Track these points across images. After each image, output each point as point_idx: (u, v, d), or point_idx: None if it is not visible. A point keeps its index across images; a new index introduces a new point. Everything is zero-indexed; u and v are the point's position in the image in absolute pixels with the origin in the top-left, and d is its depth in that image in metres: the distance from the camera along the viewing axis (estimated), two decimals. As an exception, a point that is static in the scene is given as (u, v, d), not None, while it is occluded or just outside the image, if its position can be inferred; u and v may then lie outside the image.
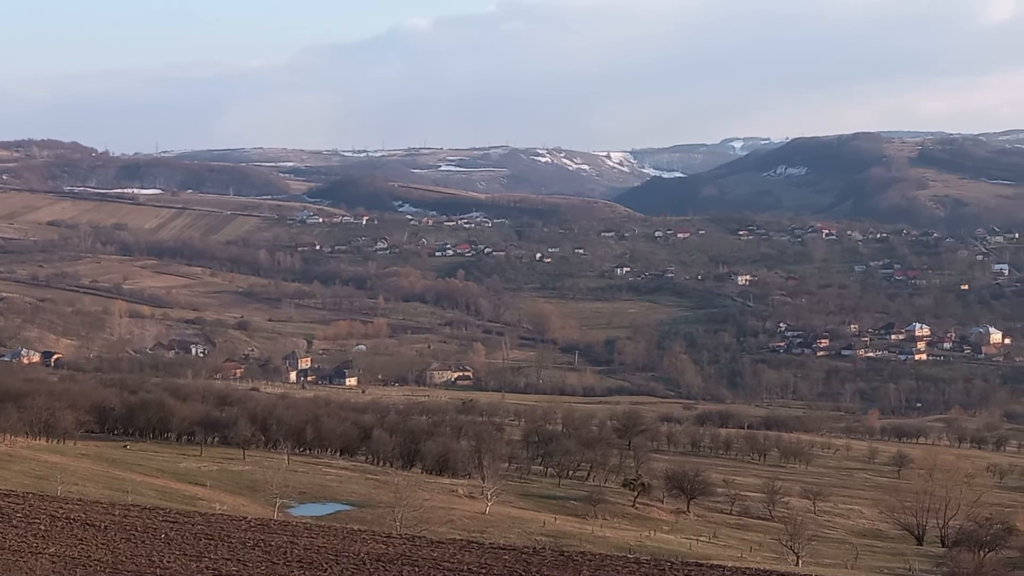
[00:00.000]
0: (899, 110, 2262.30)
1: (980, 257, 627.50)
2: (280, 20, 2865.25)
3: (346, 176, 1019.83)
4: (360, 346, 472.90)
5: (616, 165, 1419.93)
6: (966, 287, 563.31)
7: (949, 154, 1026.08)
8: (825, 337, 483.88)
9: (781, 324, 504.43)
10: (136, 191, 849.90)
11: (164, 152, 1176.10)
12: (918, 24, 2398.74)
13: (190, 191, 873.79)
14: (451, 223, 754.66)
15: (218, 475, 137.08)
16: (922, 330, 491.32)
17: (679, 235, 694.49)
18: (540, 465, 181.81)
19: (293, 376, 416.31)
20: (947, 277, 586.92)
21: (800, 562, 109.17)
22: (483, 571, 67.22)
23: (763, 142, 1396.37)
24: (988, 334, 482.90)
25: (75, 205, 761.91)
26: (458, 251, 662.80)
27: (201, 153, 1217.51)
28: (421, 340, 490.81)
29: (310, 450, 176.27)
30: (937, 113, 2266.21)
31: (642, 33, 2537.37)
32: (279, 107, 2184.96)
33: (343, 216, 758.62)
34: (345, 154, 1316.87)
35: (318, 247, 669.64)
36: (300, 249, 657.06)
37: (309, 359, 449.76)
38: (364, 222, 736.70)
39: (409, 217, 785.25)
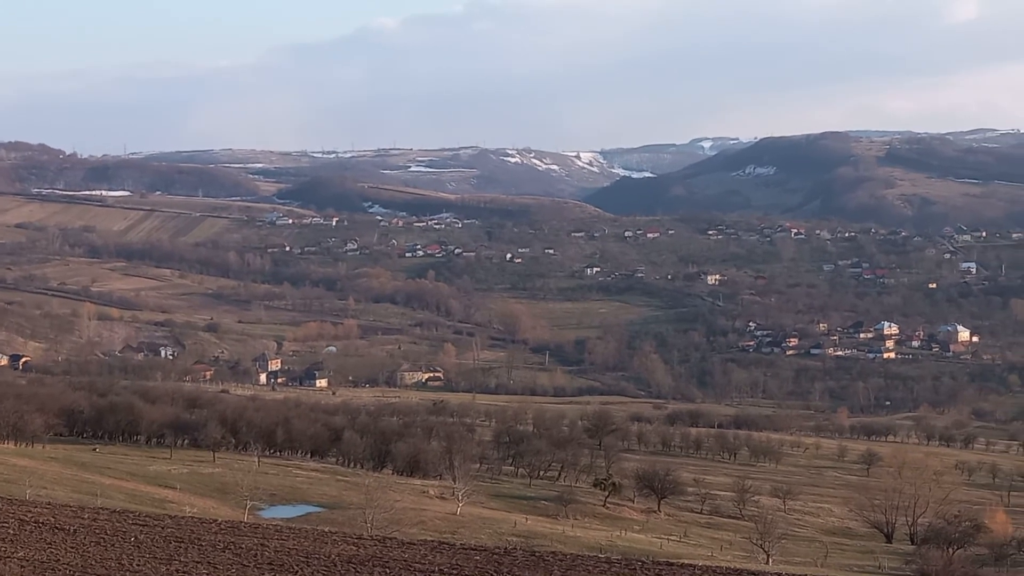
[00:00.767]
0: (867, 109, 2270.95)
1: (948, 256, 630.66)
2: (248, 20, 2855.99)
3: (315, 177, 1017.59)
4: (330, 347, 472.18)
5: (586, 165, 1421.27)
6: (934, 286, 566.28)
7: (917, 153, 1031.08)
8: (794, 336, 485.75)
9: (751, 323, 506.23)
10: (104, 193, 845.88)
11: (132, 153, 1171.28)
12: (885, 24, 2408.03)
13: (159, 193, 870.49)
14: (421, 224, 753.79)
15: (188, 478, 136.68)
16: (890, 328, 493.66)
17: (649, 235, 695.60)
18: (511, 466, 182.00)
19: (263, 378, 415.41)
20: (915, 276, 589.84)
21: (770, 560, 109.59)
22: (454, 572, 67.24)
23: (732, 142, 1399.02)
24: (956, 332, 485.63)
25: (43, 207, 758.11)
26: (428, 252, 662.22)
27: (170, 154, 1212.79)
28: (391, 341, 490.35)
29: (280, 452, 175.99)
30: (905, 112, 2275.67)
31: (611, 33, 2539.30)
32: (248, 108, 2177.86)
33: (313, 217, 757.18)
34: (314, 155, 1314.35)
35: (288, 248, 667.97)
36: (270, 250, 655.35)
37: (279, 361, 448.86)
38: (334, 223, 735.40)
39: (379, 218, 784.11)
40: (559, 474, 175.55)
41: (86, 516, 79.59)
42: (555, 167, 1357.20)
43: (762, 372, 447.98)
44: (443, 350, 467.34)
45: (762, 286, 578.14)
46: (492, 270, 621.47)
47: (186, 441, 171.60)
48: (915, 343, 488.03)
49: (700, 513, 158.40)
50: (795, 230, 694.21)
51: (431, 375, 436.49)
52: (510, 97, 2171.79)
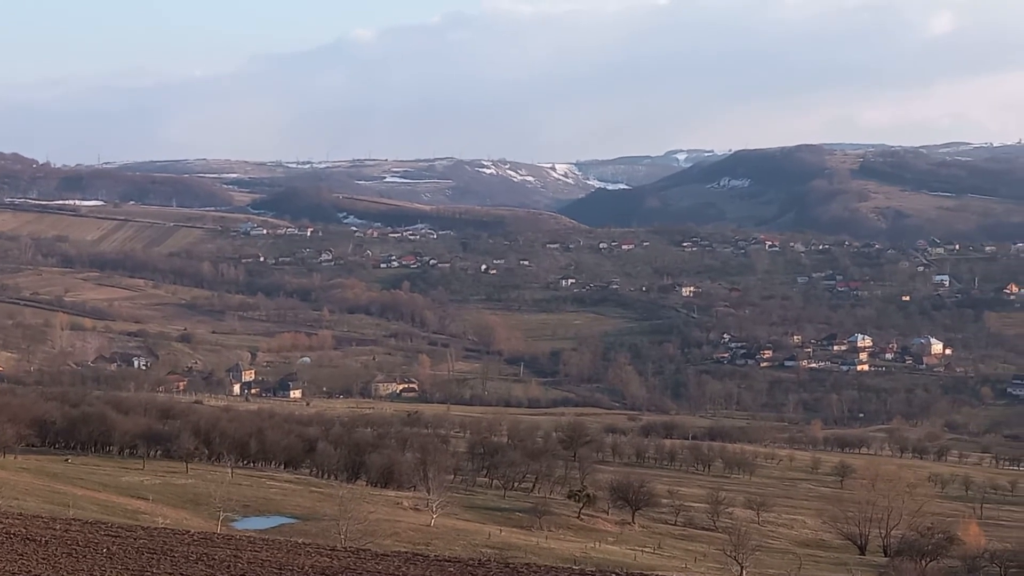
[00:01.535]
0: (841, 122, 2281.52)
1: (921, 268, 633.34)
2: (225, 30, 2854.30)
3: (290, 187, 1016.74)
4: (304, 358, 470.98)
5: (561, 177, 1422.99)
6: (907, 298, 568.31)
7: (890, 166, 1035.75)
8: (768, 348, 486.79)
9: (725, 335, 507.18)
10: (78, 202, 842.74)
11: (106, 163, 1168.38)
12: (860, 37, 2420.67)
13: (132, 203, 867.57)
14: (396, 235, 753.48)
15: (161, 489, 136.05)
16: (864, 341, 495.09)
17: (624, 247, 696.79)
18: (485, 477, 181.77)
19: (237, 389, 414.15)
20: (888, 288, 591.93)
21: (744, 572, 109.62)
22: (428, 584, 67.07)
23: (707, 154, 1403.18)
24: (929, 345, 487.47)
25: (15, 217, 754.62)
26: (403, 263, 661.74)
27: (144, 164, 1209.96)
28: (366, 352, 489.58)
29: (254, 463, 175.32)
30: (879, 125, 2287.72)
31: (585, 45, 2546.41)
32: (223, 118, 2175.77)
33: (287, 228, 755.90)
34: (289, 165, 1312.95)
35: (262, 259, 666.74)
36: (244, 261, 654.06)
37: (253, 371, 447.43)
38: (308, 234, 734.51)
39: (354, 229, 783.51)
40: (533, 486, 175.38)
41: (58, 527, 79.11)
42: (530, 178, 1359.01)
43: (736, 384, 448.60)
44: (418, 361, 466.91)
45: (736, 298, 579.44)
46: (467, 281, 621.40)
47: (159, 452, 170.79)
48: (888, 355, 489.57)
49: (674, 525, 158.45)
50: (769, 242, 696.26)
51: (405, 386, 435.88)
52: (486, 108, 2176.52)
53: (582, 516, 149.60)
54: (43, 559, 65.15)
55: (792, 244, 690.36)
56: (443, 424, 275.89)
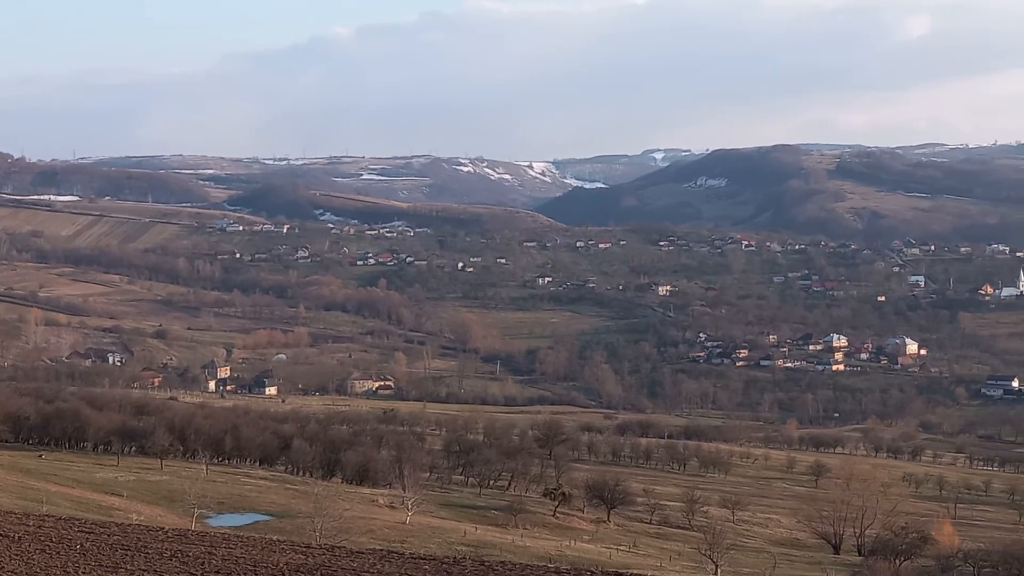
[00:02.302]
0: (818, 123, 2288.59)
1: (896, 269, 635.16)
2: (201, 27, 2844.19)
3: (267, 184, 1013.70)
4: (280, 355, 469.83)
5: (538, 175, 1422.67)
6: (883, 299, 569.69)
7: (867, 167, 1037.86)
8: (744, 347, 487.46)
9: (701, 334, 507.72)
10: (53, 198, 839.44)
11: (82, 158, 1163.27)
12: (838, 40, 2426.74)
13: (108, 198, 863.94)
14: (373, 232, 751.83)
15: (135, 485, 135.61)
16: (839, 341, 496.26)
17: (600, 245, 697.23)
18: (461, 475, 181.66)
19: (212, 385, 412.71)
20: (864, 288, 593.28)
21: (719, 571, 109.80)
22: (403, 581, 66.93)
23: (684, 153, 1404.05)
24: (904, 345, 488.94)
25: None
26: (380, 260, 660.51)
27: (120, 160, 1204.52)
28: (342, 349, 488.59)
29: (229, 460, 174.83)
30: (855, 126, 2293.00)
31: (563, 45, 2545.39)
32: (199, 114, 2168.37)
33: (264, 224, 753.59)
34: (266, 162, 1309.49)
35: (238, 255, 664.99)
36: (220, 257, 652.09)
37: (228, 368, 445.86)
38: (285, 230, 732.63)
39: (330, 226, 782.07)
40: (509, 484, 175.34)
41: (31, 523, 78.72)
42: (508, 176, 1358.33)
43: (712, 383, 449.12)
44: (394, 359, 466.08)
45: (712, 297, 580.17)
46: (444, 279, 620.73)
47: (133, 448, 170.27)
48: (864, 355, 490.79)
49: (649, 523, 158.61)
50: (746, 242, 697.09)
51: (381, 384, 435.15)
52: (463, 106, 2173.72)
53: (557, 514, 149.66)
54: (16, 555, 64.80)
55: (768, 244, 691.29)
56: (419, 422, 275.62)
